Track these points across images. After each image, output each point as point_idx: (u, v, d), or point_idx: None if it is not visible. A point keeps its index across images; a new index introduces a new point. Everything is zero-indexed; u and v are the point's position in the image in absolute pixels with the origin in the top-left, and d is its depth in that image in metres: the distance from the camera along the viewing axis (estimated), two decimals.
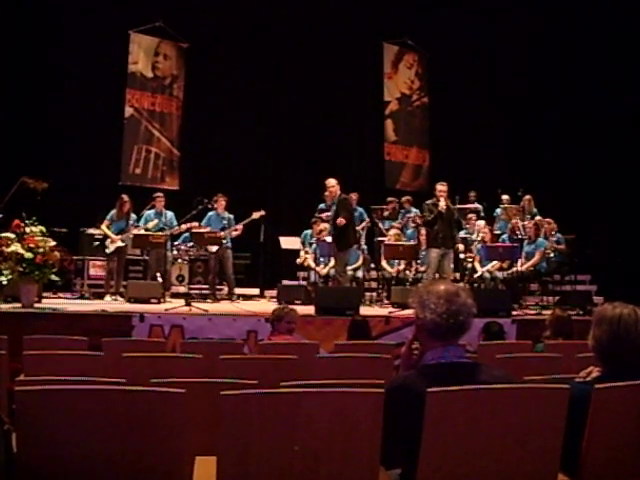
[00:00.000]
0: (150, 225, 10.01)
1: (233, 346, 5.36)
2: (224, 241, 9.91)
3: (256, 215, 10.11)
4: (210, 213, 10.25)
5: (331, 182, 9.21)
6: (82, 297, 10.15)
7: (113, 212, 9.89)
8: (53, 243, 7.68)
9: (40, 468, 2.20)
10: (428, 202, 9.41)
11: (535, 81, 13.56)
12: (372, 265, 11.49)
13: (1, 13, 11.39)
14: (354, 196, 11.04)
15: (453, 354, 2.45)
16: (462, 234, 10.85)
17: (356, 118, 13.99)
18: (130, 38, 13.07)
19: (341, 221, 8.86)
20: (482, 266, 10.35)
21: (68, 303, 8.95)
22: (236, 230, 10.16)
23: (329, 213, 9.57)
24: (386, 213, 11.77)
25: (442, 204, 9.18)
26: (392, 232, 10.80)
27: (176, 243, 10.89)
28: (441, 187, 9.34)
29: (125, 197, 9.96)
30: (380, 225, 11.51)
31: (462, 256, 10.54)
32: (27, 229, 7.58)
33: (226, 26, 12.91)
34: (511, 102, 13.73)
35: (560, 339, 5.30)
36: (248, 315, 7.82)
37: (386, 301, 9.97)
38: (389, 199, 12.12)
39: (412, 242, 10.50)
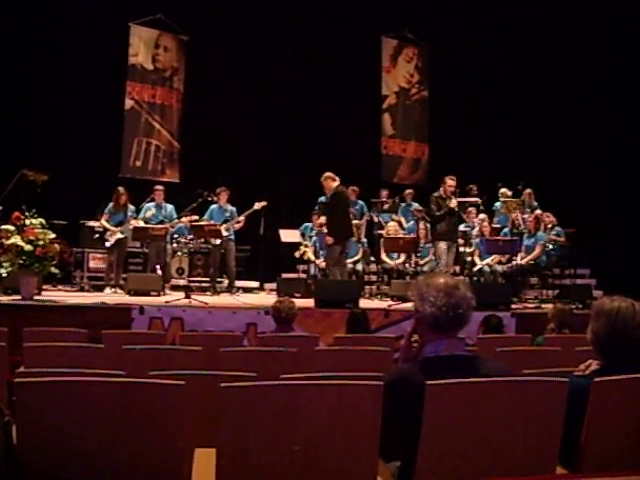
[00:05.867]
0: (148, 214, 10.00)
1: (233, 338, 5.36)
2: (226, 233, 9.90)
3: (258, 206, 10.07)
4: (213, 206, 10.23)
5: (324, 175, 9.15)
6: (82, 289, 10.16)
7: (110, 205, 9.88)
8: (53, 235, 7.67)
9: (40, 459, 2.20)
10: (435, 194, 9.34)
11: (535, 74, 13.52)
12: (372, 258, 11.49)
13: (1, 6, 11.34)
14: (354, 189, 11.04)
15: (452, 347, 2.45)
16: (462, 227, 10.85)
17: (354, 112, 13.94)
18: (130, 30, 13.03)
19: (321, 223, 8.87)
20: (481, 260, 10.36)
21: (68, 295, 8.95)
22: (238, 222, 10.14)
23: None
24: (386, 206, 11.75)
25: (454, 202, 9.13)
26: (390, 224, 10.82)
27: (175, 236, 10.89)
28: (451, 182, 9.24)
29: (121, 189, 9.95)
30: (379, 218, 11.50)
31: (462, 249, 10.54)
32: (27, 221, 7.58)
33: (226, 19, 12.87)
34: (511, 95, 13.70)
35: (566, 331, 5.34)
36: (248, 308, 7.83)
37: (386, 294, 9.97)
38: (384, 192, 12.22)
39: (412, 235, 10.50)
